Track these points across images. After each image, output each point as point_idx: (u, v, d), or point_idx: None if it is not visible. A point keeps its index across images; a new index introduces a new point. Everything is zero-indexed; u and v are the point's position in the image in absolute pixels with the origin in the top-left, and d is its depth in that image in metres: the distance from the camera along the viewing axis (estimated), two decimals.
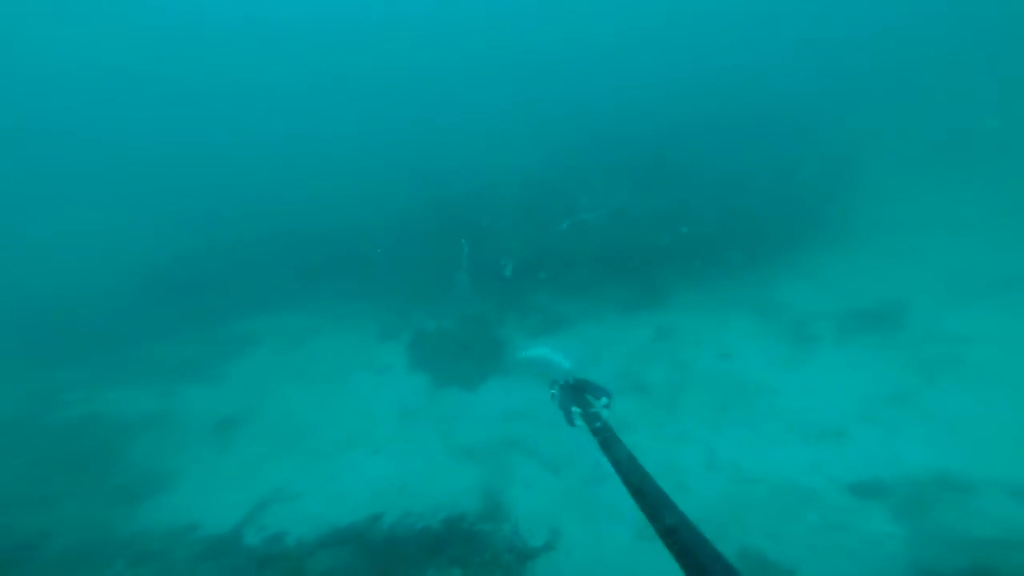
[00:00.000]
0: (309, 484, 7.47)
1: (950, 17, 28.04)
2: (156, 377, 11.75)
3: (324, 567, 5.08)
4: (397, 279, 13.60)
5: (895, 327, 9.39)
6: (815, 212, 13.51)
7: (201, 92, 35.64)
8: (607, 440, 3.04)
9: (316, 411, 9.69)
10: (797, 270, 11.75)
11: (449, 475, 7.32)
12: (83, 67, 36.50)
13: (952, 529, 5.58)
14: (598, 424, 3.27)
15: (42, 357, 12.74)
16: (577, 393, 3.70)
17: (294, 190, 19.87)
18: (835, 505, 6.19)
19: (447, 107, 27.78)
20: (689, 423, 8.18)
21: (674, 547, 2.00)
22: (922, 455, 6.56)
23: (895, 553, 5.49)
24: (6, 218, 23.07)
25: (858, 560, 5.47)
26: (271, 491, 7.27)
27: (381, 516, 6.24)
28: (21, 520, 7.01)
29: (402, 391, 9.93)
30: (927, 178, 14.57)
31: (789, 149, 15.70)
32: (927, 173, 14.80)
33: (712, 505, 6.54)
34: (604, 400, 3.65)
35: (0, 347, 13.13)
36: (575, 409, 3.56)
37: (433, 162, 18.68)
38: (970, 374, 7.80)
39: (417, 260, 13.64)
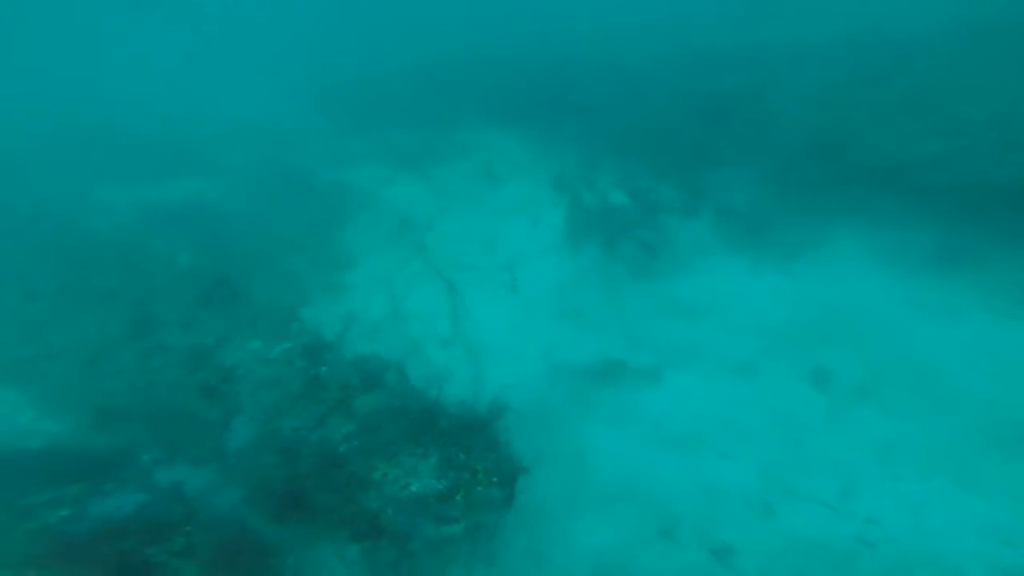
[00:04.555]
0: (424, 309, 8.44)
1: None
2: (388, 161, 13.92)
3: (366, 409, 6.08)
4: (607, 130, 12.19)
5: None
6: None
7: None
8: None
9: (469, 238, 10.29)
10: None
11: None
12: None
13: None
14: None
15: (330, 120, 16.27)
16: None
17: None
18: None
19: None
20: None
21: None
22: None
23: None
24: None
25: None
26: (397, 306, 8.55)
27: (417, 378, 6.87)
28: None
29: (545, 250, 9.60)
30: None
31: None
32: None
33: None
34: None
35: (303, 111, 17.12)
36: None
37: None
38: None
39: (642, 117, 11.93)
